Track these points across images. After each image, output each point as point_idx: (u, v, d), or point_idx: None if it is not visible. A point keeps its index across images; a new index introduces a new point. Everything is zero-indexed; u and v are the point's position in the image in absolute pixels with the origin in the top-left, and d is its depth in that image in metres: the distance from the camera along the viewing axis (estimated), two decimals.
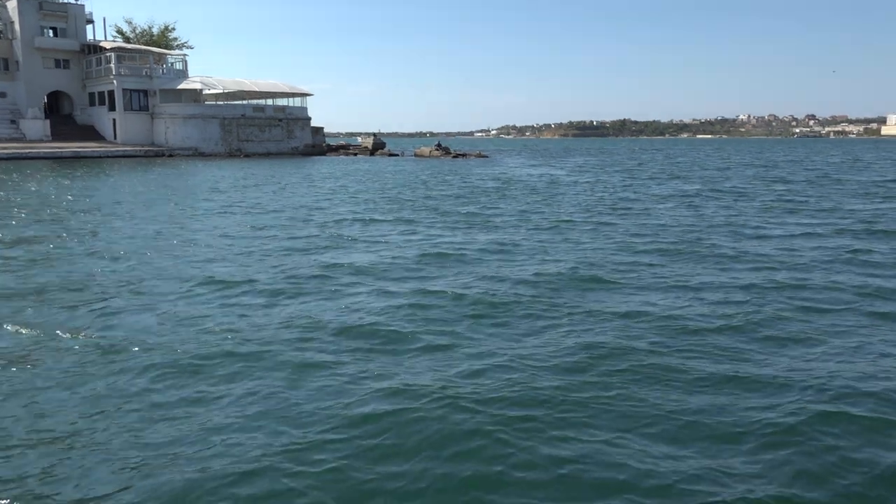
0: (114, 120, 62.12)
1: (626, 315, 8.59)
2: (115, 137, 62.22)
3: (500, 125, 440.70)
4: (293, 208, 21.74)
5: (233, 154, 63.73)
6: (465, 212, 20.41)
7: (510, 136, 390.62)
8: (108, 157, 56.61)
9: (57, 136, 59.60)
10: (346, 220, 18.70)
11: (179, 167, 46.83)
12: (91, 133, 62.90)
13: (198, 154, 62.46)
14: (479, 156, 66.35)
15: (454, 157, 64.58)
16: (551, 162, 58.29)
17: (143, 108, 63.48)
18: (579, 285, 10.34)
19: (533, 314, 8.69)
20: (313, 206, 22.55)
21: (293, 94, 73.40)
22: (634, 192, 27.97)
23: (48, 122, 59.92)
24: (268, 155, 66.03)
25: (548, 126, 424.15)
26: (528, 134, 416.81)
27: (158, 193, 26.81)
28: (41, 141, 57.13)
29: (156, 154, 60.24)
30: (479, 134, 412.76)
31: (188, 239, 15.13)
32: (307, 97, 74.48)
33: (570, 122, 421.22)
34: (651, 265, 11.97)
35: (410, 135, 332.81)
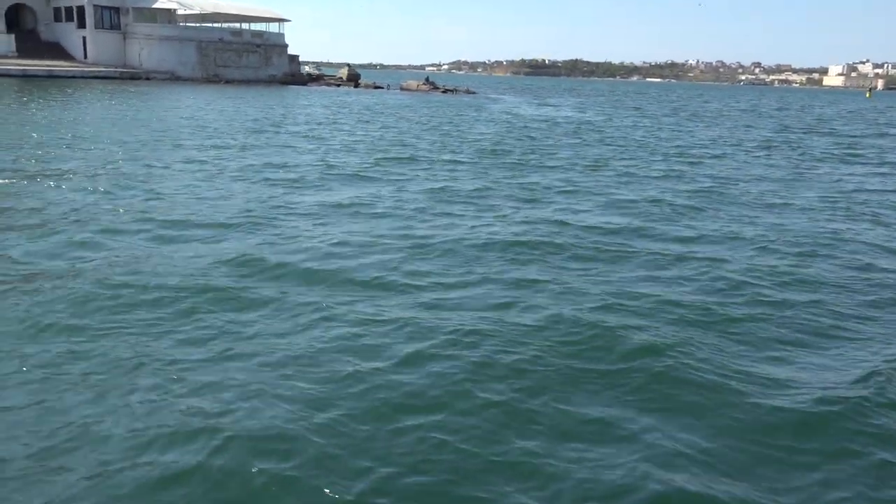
0: (84, 38, 58.13)
1: None
2: (84, 57, 58.35)
3: (450, 60, 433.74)
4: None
5: (210, 80, 60.77)
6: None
7: (462, 72, 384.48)
8: (82, 77, 53.21)
9: (21, 52, 55.45)
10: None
11: (164, 92, 44.33)
12: (58, 51, 58.76)
13: (174, 78, 59.34)
14: (468, 92, 65.10)
15: (443, 91, 63.25)
16: (549, 101, 57.68)
17: (115, 27, 59.57)
18: None
19: None
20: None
21: (271, 19, 70.05)
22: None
23: (13, 36, 55.57)
24: (246, 82, 63.24)
25: (499, 63, 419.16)
26: (479, 70, 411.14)
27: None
28: (6, 57, 52.98)
29: (132, 76, 56.93)
30: (431, 68, 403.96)
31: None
32: (285, 23, 71.24)
33: (523, 60, 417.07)
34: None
35: (362, 66, 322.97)
